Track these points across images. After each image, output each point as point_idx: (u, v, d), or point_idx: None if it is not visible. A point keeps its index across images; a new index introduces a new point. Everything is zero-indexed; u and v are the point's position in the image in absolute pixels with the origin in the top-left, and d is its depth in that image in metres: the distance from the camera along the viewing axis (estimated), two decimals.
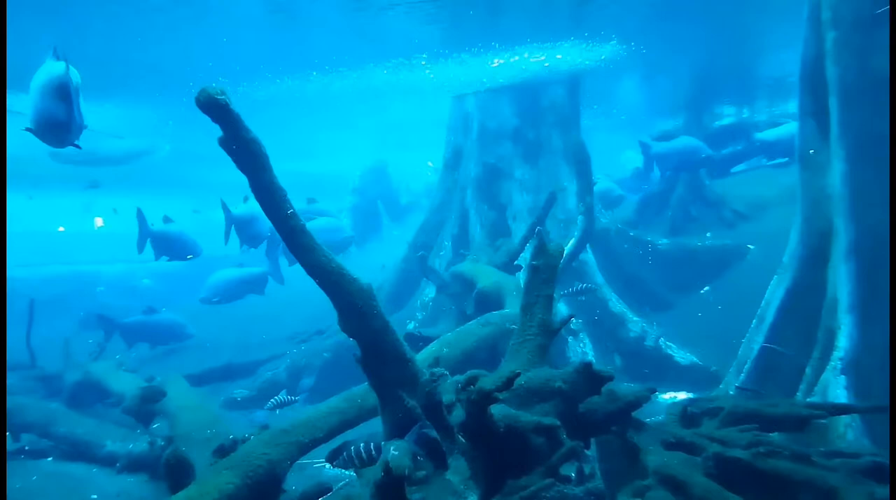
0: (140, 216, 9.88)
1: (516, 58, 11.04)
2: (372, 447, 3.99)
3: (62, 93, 4.55)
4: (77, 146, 4.77)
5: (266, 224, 8.67)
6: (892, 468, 3.51)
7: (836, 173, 5.65)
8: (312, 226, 10.43)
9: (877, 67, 5.36)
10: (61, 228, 31.05)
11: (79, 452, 7.26)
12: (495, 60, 11.12)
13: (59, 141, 4.69)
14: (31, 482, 6.62)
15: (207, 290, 11.47)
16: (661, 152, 11.18)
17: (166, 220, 10.21)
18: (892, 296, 5.02)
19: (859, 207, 5.49)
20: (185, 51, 9.91)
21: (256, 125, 3.48)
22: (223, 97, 3.30)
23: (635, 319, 9.38)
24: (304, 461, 4.70)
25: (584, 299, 9.13)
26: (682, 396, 7.57)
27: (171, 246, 10.14)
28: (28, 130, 4.50)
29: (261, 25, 9.11)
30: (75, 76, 4.73)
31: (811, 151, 6.09)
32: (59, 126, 4.58)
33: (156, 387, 6.91)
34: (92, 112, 4.96)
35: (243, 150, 3.47)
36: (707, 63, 12.64)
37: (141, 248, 9.98)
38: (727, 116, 16.15)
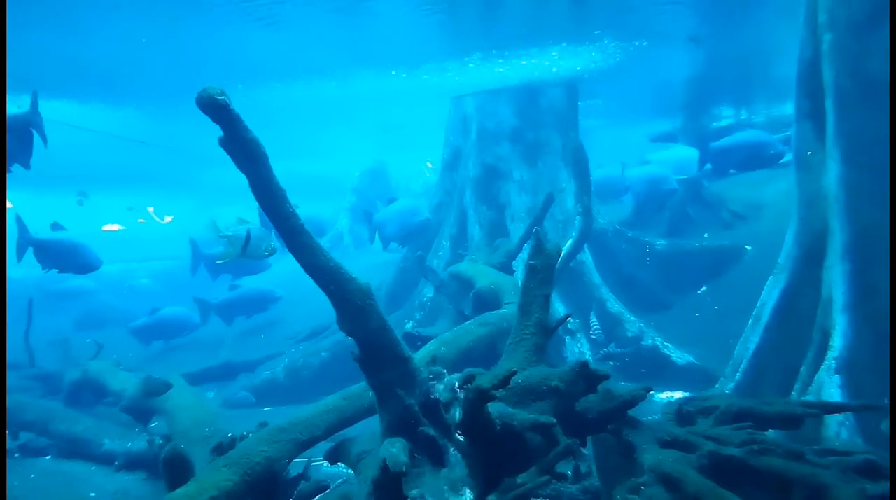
0: (194, 244, 11.79)
1: (522, 60, 11.06)
2: None
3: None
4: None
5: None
6: (892, 468, 3.54)
7: (831, 175, 5.69)
8: (391, 208, 10.83)
9: (872, 70, 5.41)
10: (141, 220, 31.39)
11: (77, 450, 7.28)
12: (495, 67, 11.13)
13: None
14: (29, 479, 6.64)
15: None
16: (721, 148, 9.92)
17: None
18: (892, 298, 5.05)
19: (854, 208, 5.54)
20: (183, 53, 9.94)
21: (255, 126, 3.51)
22: (223, 97, 3.32)
23: (632, 319, 9.43)
24: (301, 458, 4.73)
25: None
26: (678, 395, 7.61)
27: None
28: None
29: (261, 29, 9.13)
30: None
31: (808, 153, 6.14)
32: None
33: (159, 379, 6.91)
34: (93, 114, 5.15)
35: (243, 150, 3.50)
36: (706, 64, 12.67)
37: (194, 271, 12.10)
38: (725, 117, 16.20)
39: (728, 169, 10.42)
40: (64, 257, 8.66)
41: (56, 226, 8.84)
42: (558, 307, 9.27)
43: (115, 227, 31.05)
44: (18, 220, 8.65)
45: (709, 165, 10.35)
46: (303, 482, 4.68)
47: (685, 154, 12.11)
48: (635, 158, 11.89)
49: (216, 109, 3.32)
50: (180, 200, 29.64)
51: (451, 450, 3.94)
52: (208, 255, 11.83)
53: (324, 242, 3.99)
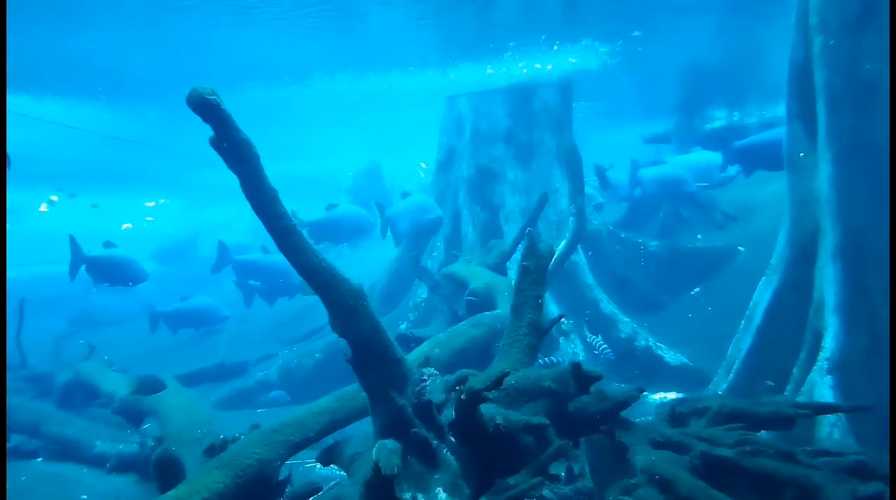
0: (221, 245, 12.32)
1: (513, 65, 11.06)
2: None
3: None
4: None
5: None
6: (892, 468, 3.55)
7: (822, 176, 5.71)
8: (403, 204, 11.03)
9: (863, 72, 5.44)
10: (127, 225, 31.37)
11: (68, 452, 7.24)
12: (488, 68, 11.12)
13: None
14: (20, 482, 6.59)
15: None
16: (751, 146, 9.16)
17: (265, 250, 12.26)
18: (892, 300, 5.06)
19: (846, 210, 5.56)
20: (175, 53, 9.91)
21: (247, 126, 3.49)
22: (214, 97, 3.30)
23: (626, 319, 9.44)
24: (294, 461, 4.71)
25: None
26: (671, 396, 7.63)
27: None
28: None
29: (256, 30, 9.11)
30: None
31: (801, 155, 6.16)
32: None
33: (153, 377, 6.88)
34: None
35: (234, 150, 3.48)
36: (699, 65, 12.71)
37: (216, 270, 12.35)
38: (718, 118, 16.25)
39: (757, 169, 9.48)
40: (114, 271, 9.61)
41: (108, 244, 9.66)
42: (552, 308, 9.27)
43: (127, 225, 30.95)
44: (72, 240, 9.26)
45: (731, 168, 9.80)
46: (296, 484, 4.66)
47: (706, 159, 11.50)
48: (627, 159, 11.85)
49: (207, 108, 3.30)
50: (169, 201, 29.53)
51: (444, 451, 3.93)
52: (237, 260, 12.16)
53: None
